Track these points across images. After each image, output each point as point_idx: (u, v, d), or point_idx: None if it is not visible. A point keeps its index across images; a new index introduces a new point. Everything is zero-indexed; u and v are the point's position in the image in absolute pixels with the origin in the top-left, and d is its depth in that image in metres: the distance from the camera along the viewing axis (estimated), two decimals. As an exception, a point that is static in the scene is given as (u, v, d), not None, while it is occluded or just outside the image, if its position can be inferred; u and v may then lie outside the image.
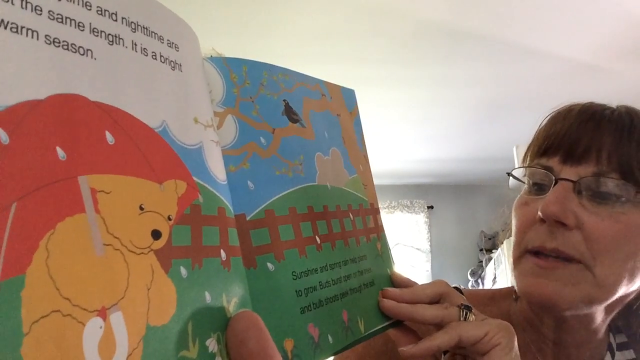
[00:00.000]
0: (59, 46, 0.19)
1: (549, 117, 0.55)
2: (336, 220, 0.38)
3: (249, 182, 0.30)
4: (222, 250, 0.26)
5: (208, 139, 0.27)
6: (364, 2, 1.87)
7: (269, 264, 0.30)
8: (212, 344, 0.24)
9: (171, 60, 0.24)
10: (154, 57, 0.23)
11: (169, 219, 0.22)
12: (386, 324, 0.40)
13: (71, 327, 0.17)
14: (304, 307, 0.31)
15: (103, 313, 0.19)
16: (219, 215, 0.26)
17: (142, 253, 0.21)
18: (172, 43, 0.25)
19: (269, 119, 0.34)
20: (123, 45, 0.22)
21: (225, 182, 0.28)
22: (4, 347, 0.15)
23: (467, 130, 3.42)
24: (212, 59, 0.31)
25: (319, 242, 0.35)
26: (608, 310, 0.52)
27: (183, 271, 0.23)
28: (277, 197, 0.32)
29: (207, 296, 0.24)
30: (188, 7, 1.81)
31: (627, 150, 0.48)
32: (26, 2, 0.18)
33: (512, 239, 0.53)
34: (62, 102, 0.19)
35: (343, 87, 0.45)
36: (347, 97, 0.45)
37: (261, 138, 0.32)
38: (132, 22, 0.22)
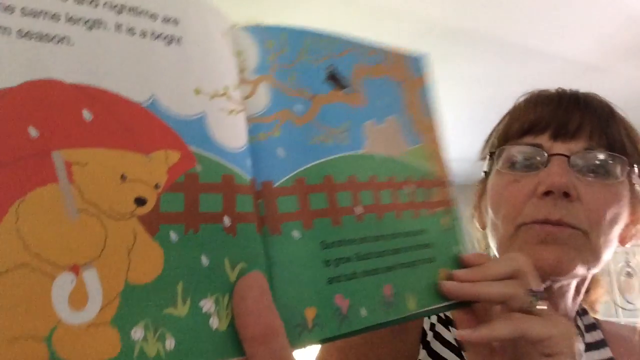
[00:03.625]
0: (32, 38, 0.22)
1: (523, 101, 0.59)
2: (386, 191, 0.36)
3: (278, 150, 0.30)
4: (225, 217, 0.26)
5: (215, 108, 0.27)
6: (364, 2, 1.81)
7: (294, 232, 0.30)
8: (207, 305, 0.25)
9: (166, 35, 0.26)
10: (143, 35, 0.25)
11: (157, 187, 0.24)
12: (445, 304, 0.36)
13: (39, 279, 0.21)
14: (332, 277, 0.30)
15: (75, 269, 0.22)
16: (223, 183, 0.27)
17: (123, 219, 0.23)
18: (170, 18, 0.26)
19: (308, 85, 0.33)
20: (105, 28, 0.24)
21: (241, 150, 0.28)
22: None
23: (466, 130, 3.05)
24: (247, 28, 0.31)
25: (360, 213, 0.33)
26: (577, 290, 0.56)
27: (173, 235, 0.24)
28: (310, 164, 0.31)
29: (204, 259, 0.25)
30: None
31: (613, 129, 0.54)
32: (-3, 4, 0.21)
33: (498, 216, 0.55)
34: (36, 87, 0.21)
35: (409, 54, 0.42)
36: (413, 64, 0.42)
37: (297, 105, 0.32)
38: (116, 5, 0.24)
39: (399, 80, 0.40)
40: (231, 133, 0.28)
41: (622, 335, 0.62)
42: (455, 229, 0.40)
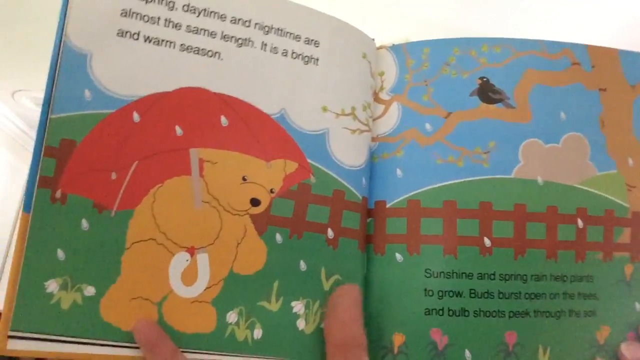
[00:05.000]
0: (191, 52, 0.26)
1: None
2: (539, 224, 0.31)
3: (397, 170, 0.31)
4: (329, 229, 0.28)
5: (339, 126, 0.29)
6: (364, 2, 1.66)
7: (397, 255, 0.30)
8: (298, 306, 0.27)
9: (306, 55, 0.28)
10: (284, 54, 0.27)
11: (272, 191, 0.27)
12: None
13: (162, 253, 0.25)
14: (431, 308, 0.29)
15: (191, 251, 0.25)
16: (334, 197, 0.28)
17: (238, 214, 0.26)
18: (312, 40, 0.28)
19: (445, 101, 0.31)
20: (252, 46, 0.27)
21: (359, 168, 0.30)
22: (110, 253, 0.24)
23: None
24: (393, 47, 0.32)
25: (487, 245, 0.30)
26: None
27: (278, 237, 0.27)
28: (430, 187, 0.30)
29: (302, 265, 0.27)
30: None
31: None
32: (169, 22, 0.25)
33: None
34: (187, 93, 0.25)
35: (627, 52, 0.35)
36: (631, 65, 0.35)
37: (426, 124, 0.31)
38: (265, 26, 0.27)
39: (599, 87, 0.34)
40: (351, 151, 0.30)
41: None
42: None
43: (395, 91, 0.32)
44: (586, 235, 0.31)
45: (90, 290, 0.24)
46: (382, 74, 0.32)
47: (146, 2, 0.25)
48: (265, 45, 0.27)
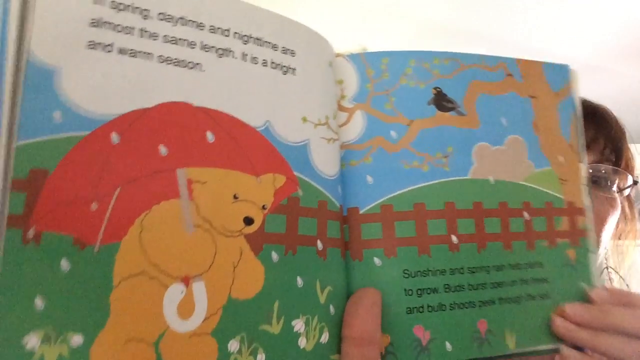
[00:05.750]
0: (170, 63, 0.23)
1: None
2: (495, 219, 0.34)
3: (368, 177, 0.31)
4: (318, 241, 0.27)
5: (317, 136, 0.28)
6: (364, 2, 1.76)
7: (375, 259, 0.30)
8: (298, 324, 0.26)
9: (284, 66, 0.27)
10: (264, 64, 0.26)
11: (264, 208, 0.25)
12: (553, 346, 0.34)
13: (155, 287, 0.22)
14: (412, 307, 0.30)
15: (186, 280, 0.23)
16: (319, 208, 0.28)
17: (232, 236, 0.24)
18: (288, 50, 0.27)
19: (406, 110, 0.33)
20: (232, 57, 0.25)
21: (335, 177, 0.29)
22: (96, 294, 0.21)
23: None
24: (351, 56, 0.32)
25: (455, 242, 0.32)
26: None
27: (274, 255, 0.26)
28: (400, 192, 0.31)
29: (299, 281, 0.26)
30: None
31: (623, 146, 0.57)
32: (144, 31, 0.23)
33: None
34: (169, 108, 0.23)
35: (548, 64, 0.39)
36: (552, 75, 0.39)
37: (391, 132, 0.32)
38: (244, 35, 0.26)
39: (529, 95, 0.37)
40: (329, 161, 0.29)
41: None
42: (585, 263, 0.37)
43: (358, 100, 0.32)
44: (532, 226, 0.35)
45: (77, 340, 0.21)
46: (341, 82, 0.32)
47: (118, 11, 0.22)
48: (246, 55, 0.26)
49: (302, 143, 0.28)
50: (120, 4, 0.22)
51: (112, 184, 0.22)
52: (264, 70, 0.26)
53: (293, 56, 0.28)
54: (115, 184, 0.22)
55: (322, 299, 0.27)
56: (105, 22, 0.22)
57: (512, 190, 0.35)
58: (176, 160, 0.23)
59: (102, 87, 0.22)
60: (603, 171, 0.55)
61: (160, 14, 0.23)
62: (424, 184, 0.32)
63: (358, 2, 1.96)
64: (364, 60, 0.33)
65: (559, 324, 0.34)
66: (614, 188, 0.56)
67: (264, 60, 0.26)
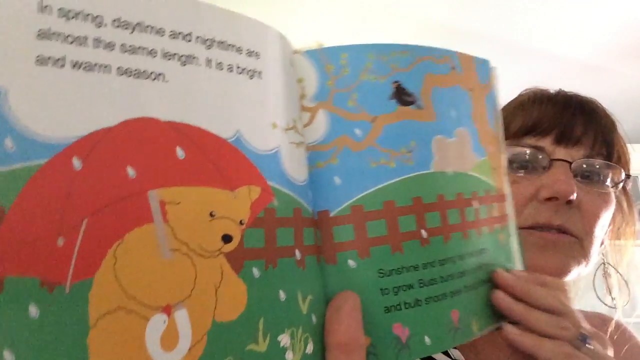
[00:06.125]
0: (130, 75, 0.21)
1: (525, 98, 0.59)
2: (455, 210, 0.34)
3: (335, 178, 0.30)
4: (296, 250, 0.27)
5: (287, 142, 0.27)
6: (364, 2, 1.79)
7: (350, 261, 0.30)
8: (284, 339, 0.25)
9: (250, 70, 0.25)
10: (230, 69, 0.25)
11: (241, 223, 0.24)
12: (499, 324, 0.36)
13: (135, 322, 0.20)
14: (389, 306, 0.30)
15: (168, 310, 0.21)
16: (295, 216, 0.27)
17: (212, 256, 0.23)
18: (252, 52, 0.26)
19: (369, 106, 0.32)
20: (197, 64, 0.23)
21: (305, 182, 0.29)
22: (72, 338, 0.19)
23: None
24: (308, 52, 0.31)
25: (425, 237, 0.32)
26: None
27: (255, 272, 0.24)
28: (369, 191, 0.31)
29: (282, 294, 0.25)
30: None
31: (614, 139, 0.55)
32: (99, 41, 0.20)
33: None
34: (133, 126, 0.21)
35: (476, 57, 0.40)
36: (480, 69, 0.40)
37: (356, 130, 0.31)
38: (207, 39, 0.24)
39: (469, 88, 0.38)
40: (300, 166, 0.28)
41: (592, 325, 0.63)
42: (509, 246, 0.39)
43: (319, 98, 0.31)
44: (480, 214, 0.36)
45: (55, 391, 0.19)
46: (301, 80, 0.31)
47: (67, 19, 0.20)
48: (210, 61, 0.24)
49: (274, 151, 0.26)
50: (70, 11, 0.20)
51: (78, 215, 0.20)
52: (230, 76, 0.25)
53: (258, 59, 0.26)
54: (81, 214, 0.20)
55: (305, 309, 0.27)
56: (54, 33, 0.19)
57: (465, 181, 0.36)
58: (146, 182, 0.21)
59: (57, 108, 0.19)
60: (597, 166, 0.54)
61: (115, 20, 0.21)
62: (391, 181, 0.32)
63: (358, 2, 1.92)
64: (323, 56, 0.32)
65: (498, 295, 0.36)
66: (608, 183, 0.55)
67: (229, 65, 0.25)
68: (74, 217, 0.20)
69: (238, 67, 0.25)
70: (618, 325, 0.63)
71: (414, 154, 0.33)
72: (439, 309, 0.32)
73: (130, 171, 0.21)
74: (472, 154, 0.37)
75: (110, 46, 0.21)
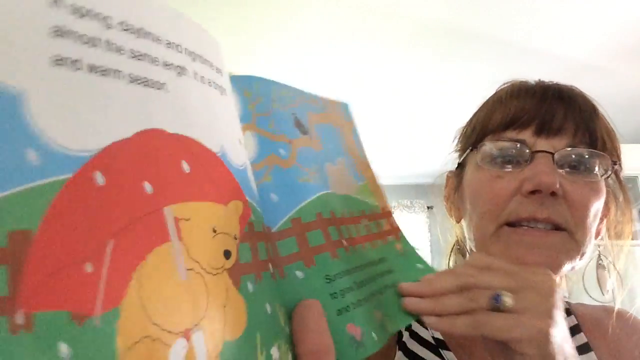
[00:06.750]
0: (140, 83, 0.20)
1: (503, 92, 0.58)
2: (352, 225, 0.39)
3: (272, 195, 0.32)
4: (269, 264, 0.27)
5: (247, 158, 0.28)
6: (364, 2, 1.86)
7: (297, 272, 0.31)
8: (275, 352, 0.25)
9: (218, 85, 0.25)
10: (210, 84, 0.24)
11: (235, 238, 0.24)
12: (415, 319, 0.41)
13: (160, 349, 0.19)
14: (340, 308, 0.32)
15: (187, 334, 0.20)
16: (264, 231, 0.27)
17: (218, 273, 0.22)
18: (218, 68, 0.26)
19: (285, 130, 0.35)
20: (187, 75, 0.22)
21: (258, 199, 0.29)
22: None
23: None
24: (231, 77, 0.32)
25: (346, 245, 0.35)
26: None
27: (250, 286, 0.24)
28: (303, 204, 0.33)
29: (268, 307, 0.25)
30: (190, 7, 1.80)
31: (596, 125, 0.52)
32: (110, 44, 0.19)
33: (478, 212, 0.54)
34: (146, 138, 0.20)
35: (338, 101, 0.46)
36: (343, 110, 0.46)
37: (280, 150, 0.34)
38: (191, 51, 0.23)
39: (338, 125, 0.44)
40: (254, 182, 0.29)
41: (595, 318, 0.62)
42: (411, 251, 0.44)
43: (245, 120, 0.33)
44: (373, 229, 0.41)
45: None
46: None
47: (80, 16, 0.18)
48: (196, 74, 0.23)
49: (243, 166, 0.26)
50: (82, 7, 0.18)
51: (103, 237, 0.17)
52: (210, 90, 0.24)
53: (221, 75, 0.26)
54: (106, 236, 0.17)
55: (282, 321, 0.27)
56: (69, 30, 0.17)
57: (352, 202, 0.41)
58: (162, 198, 0.20)
59: (76, 115, 0.17)
60: (582, 155, 0.51)
61: (120, 23, 0.19)
62: (315, 196, 0.35)
63: (358, 2, 1.78)
64: (240, 83, 0.33)
65: (405, 301, 0.39)
66: (596, 171, 0.51)
67: (209, 80, 0.24)
68: (100, 239, 0.17)
69: (213, 82, 0.25)
70: (623, 314, 0.62)
71: (319, 175, 0.37)
72: (372, 307, 0.35)
73: (148, 187, 0.19)
74: (352, 180, 0.43)
75: (120, 51, 0.19)
